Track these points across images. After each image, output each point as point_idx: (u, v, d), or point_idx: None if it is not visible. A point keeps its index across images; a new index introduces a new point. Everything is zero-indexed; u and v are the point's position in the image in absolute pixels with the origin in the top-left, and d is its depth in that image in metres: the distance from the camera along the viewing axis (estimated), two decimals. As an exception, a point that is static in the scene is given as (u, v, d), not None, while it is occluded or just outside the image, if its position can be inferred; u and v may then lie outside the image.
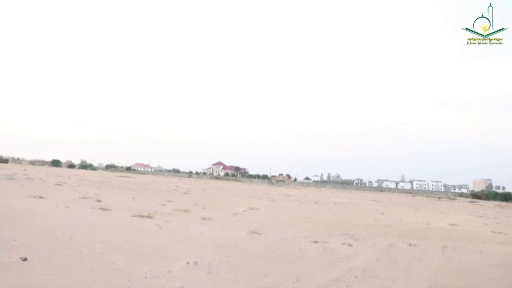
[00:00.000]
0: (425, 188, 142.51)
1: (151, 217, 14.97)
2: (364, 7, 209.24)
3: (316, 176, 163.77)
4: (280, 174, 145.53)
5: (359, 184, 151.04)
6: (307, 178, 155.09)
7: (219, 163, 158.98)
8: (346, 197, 52.88)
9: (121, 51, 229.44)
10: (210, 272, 7.69)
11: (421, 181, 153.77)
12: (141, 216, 14.93)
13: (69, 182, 35.09)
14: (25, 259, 7.43)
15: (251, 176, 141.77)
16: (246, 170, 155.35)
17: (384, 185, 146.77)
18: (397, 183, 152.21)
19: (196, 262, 8.30)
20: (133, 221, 13.94)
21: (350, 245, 12.08)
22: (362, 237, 14.18)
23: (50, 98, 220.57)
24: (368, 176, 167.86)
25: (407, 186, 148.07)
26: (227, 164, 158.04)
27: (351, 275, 8.31)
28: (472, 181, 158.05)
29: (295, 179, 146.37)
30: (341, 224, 18.08)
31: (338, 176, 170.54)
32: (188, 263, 8.18)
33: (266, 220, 17.66)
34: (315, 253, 10.49)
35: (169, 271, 7.45)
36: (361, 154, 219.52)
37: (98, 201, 19.32)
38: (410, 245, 13.07)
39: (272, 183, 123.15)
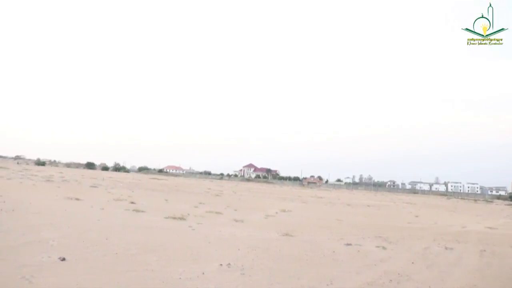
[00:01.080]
0: (460, 190, 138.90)
1: (184, 219, 15.12)
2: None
3: (347, 178, 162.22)
4: (312, 176, 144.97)
5: (391, 186, 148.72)
6: (338, 180, 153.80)
7: (250, 165, 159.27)
8: (379, 199, 52.19)
9: (153, 58, 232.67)
10: (243, 274, 7.70)
11: (456, 183, 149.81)
12: (174, 218, 15.10)
13: (103, 184, 35.80)
14: (63, 259, 7.61)
15: (282, 178, 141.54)
16: (277, 172, 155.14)
17: (417, 187, 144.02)
18: (431, 185, 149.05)
19: (229, 264, 8.33)
20: (167, 222, 14.10)
21: (384, 248, 11.90)
22: (396, 240, 13.95)
23: (86, 104, 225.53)
24: (401, 177, 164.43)
25: (442, 188, 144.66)
26: (258, 166, 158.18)
27: (386, 278, 8.18)
28: (511, 183, 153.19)
29: (327, 181, 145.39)
30: (374, 226, 17.85)
31: (370, 178, 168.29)
32: (221, 265, 8.22)
33: (298, 222, 17.59)
34: (348, 256, 10.37)
35: (203, 273, 7.50)
36: (394, 155, 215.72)
37: (132, 203, 19.64)
38: (446, 248, 12.77)
39: (303, 185, 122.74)
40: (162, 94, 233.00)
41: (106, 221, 13.20)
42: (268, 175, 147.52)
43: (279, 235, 13.07)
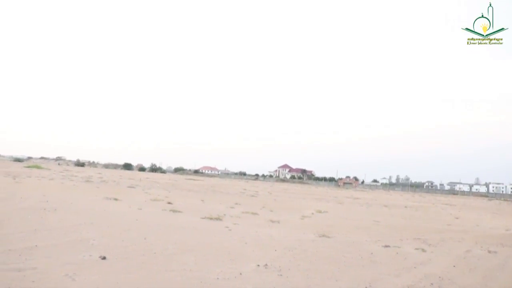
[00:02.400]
0: (503, 191, 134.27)
1: (221, 220, 15.20)
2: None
3: (384, 178, 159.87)
4: (347, 177, 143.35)
5: (429, 187, 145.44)
6: (374, 181, 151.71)
7: (285, 166, 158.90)
8: (416, 200, 51.11)
9: (189, 61, 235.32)
10: (281, 275, 7.67)
11: (499, 184, 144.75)
12: (211, 218, 15.20)
13: (140, 184, 36.41)
14: (104, 258, 7.77)
15: (317, 179, 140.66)
16: (312, 172, 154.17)
17: (456, 188, 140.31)
18: (471, 186, 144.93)
19: (266, 264, 8.32)
20: (203, 223, 14.20)
21: (423, 250, 11.63)
22: (436, 242, 13.60)
23: (124, 107, 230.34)
24: (440, 178, 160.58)
25: (483, 189, 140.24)
26: (293, 166, 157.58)
27: (426, 281, 7.98)
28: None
29: (363, 182, 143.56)
30: (413, 228, 17.48)
31: (407, 179, 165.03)
32: (258, 265, 8.21)
33: (335, 223, 17.42)
34: (387, 258, 10.18)
35: (240, 273, 7.51)
36: (432, 155, 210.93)
37: (169, 203, 19.89)
38: (489, 252, 12.34)
39: (339, 185, 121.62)
40: (198, 96, 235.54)
41: (144, 221, 13.41)
42: (303, 176, 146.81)
43: (316, 236, 12.97)
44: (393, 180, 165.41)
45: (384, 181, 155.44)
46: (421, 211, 30.52)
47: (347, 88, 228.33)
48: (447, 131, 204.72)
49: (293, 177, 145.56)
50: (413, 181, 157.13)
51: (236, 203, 23.59)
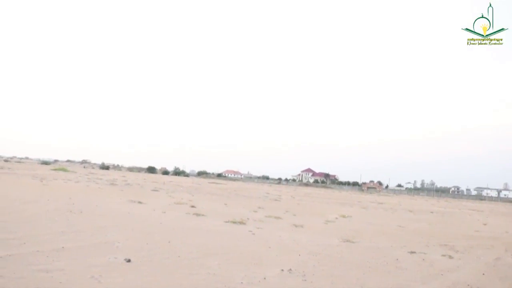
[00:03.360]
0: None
1: (244, 223, 15.20)
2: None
3: (408, 183, 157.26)
4: (371, 181, 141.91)
5: (455, 192, 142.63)
6: (399, 185, 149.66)
7: (308, 170, 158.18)
8: (442, 206, 50.23)
9: (211, 64, 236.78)
10: (305, 280, 7.60)
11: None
12: (234, 222, 15.21)
13: (164, 188, 36.71)
14: (129, 260, 7.84)
15: (341, 183, 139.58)
16: (335, 177, 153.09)
17: (484, 193, 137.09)
18: (499, 191, 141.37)
19: (290, 269, 8.26)
20: (227, 227, 14.22)
21: (450, 257, 11.39)
22: (464, 249, 13.32)
23: (147, 111, 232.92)
24: (466, 183, 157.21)
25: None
26: (317, 170, 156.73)
27: (454, 289, 7.82)
28: None
29: (387, 186, 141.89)
30: (439, 234, 17.18)
31: (432, 183, 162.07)
32: (282, 270, 8.16)
33: (359, 228, 17.24)
34: (413, 265, 10.01)
35: (264, 278, 7.47)
36: (458, 159, 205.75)
37: (192, 206, 19.97)
38: (519, 259, 12.03)
39: (362, 190, 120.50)
40: (222, 100, 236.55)
41: (168, 224, 13.50)
42: (327, 180, 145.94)
43: (340, 241, 12.85)
44: (418, 185, 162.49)
45: (409, 185, 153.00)
46: (447, 217, 30.01)
47: (371, 90, 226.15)
48: (474, 134, 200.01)
49: (316, 181, 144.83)
50: (438, 186, 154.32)
51: (259, 207, 23.58)
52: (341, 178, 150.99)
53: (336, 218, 21.33)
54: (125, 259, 7.88)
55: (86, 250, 8.50)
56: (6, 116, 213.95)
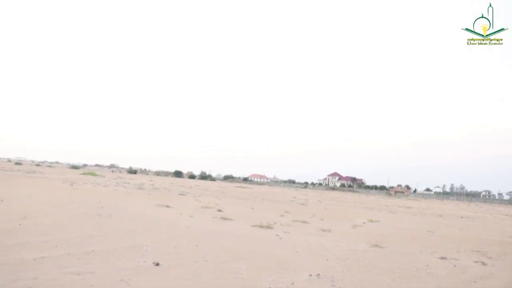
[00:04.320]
0: None
1: (271, 228, 15.15)
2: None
3: (437, 187, 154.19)
4: (399, 185, 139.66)
5: (487, 197, 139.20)
6: (427, 189, 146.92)
7: (335, 174, 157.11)
8: (473, 211, 49.09)
9: (238, 70, 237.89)
10: (334, 285, 7.51)
11: None
12: (261, 227, 15.18)
13: (191, 192, 36.91)
14: (157, 264, 7.89)
15: (368, 187, 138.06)
16: (362, 181, 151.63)
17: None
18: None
19: (318, 274, 8.18)
20: (254, 231, 14.20)
21: (483, 264, 11.10)
22: (497, 255, 12.95)
23: (174, 117, 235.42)
24: (498, 187, 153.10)
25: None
26: (343, 174, 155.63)
27: (488, 296, 7.61)
28: None
29: (415, 190, 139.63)
30: (471, 239, 16.77)
31: (462, 187, 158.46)
32: (310, 275, 8.09)
33: (388, 233, 16.99)
34: (444, 271, 9.80)
35: (292, 283, 7.42)
36: (489, 162, 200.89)
37: (219, 210, 20.03)
38: (556, 266, 11.64)
39: (390, 194, 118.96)
40: (249, 104, 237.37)
41: (196, 228, 13.56)
42: (353, 184, 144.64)
43: (368, 246, 12.68)
44: (447, 189, 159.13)
45: (438, 189, 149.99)
46: (478, 222, 29.33)
47: (398, 92, 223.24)
48: (507, 135, 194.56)
49: (343, 185, 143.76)
50: (468, 190, 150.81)
51: (286, 211, 23.48)
52: (368, 182, 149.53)
53: (364, 222, 21.08)
54: (153, 263, 7.94)
55: (116, 254, 8.60)
56: (38, 123, 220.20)
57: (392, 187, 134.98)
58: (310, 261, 9.62)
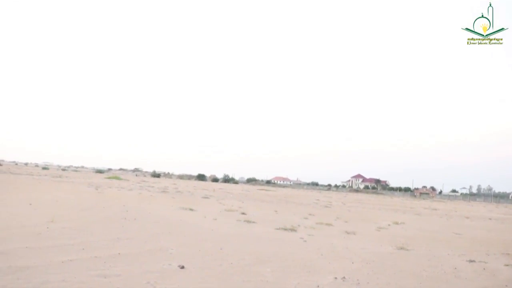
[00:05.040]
0: None
1: (295, 230, 15.10)
2: None
3: (464, 188, 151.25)
4: (424, 187, 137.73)
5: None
6: (453, 191, 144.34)
7: (359, 176, 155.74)
8: (502, 212, 47.98)
9: (259, 72, 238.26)
10: (360, 288, 7.44)
11: None
12: (285, 229, 15.13)
13: (214, 195, 37.05)
14: (182, 267, 7.92)
15: (392, 189, 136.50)
16: (386, 182, 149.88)
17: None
18: None
19: (344, 277, 8.11)
20: (278, 234, 14.17)
21: (514, 267, 10.84)
22: (528, 257, 12.63)
23: (198, 120, 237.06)
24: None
25: None
26: (367, 176, 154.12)
27: (520, 300, 7.43)
28: None
29: (440, 192, 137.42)
30: (500, 242, 16.40)
31: (490, 189, 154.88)
32: (336, 278, 8.02)
33: (413, 235, 16.75)
34: (473, 274, 9.58)
35: (318, 286, 7.37)
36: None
37: (243, 213, 20.05)
38: None
39: (415, 196, 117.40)
40: (270, 106, 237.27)
41: (220, 231, 13.60)
42: (377, 186, 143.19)
43: (394, 249, 12.52)
44: (474, 190, 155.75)
45: (464, 191, 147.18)
46: (507, 224, 28.66)
47: (420, 90, 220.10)
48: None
49: (366, 187, 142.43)
50: (496, 191, 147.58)
51: (310, 214, 23.38)
52: (392, 184, 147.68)
53: (389, 224, 20.85)
54: (178, 266, 7.98)
55: (141, 257, 8.67)
56: (64, 129, 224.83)
57: (416, 189, 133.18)
58: (335, 264, 9.55)
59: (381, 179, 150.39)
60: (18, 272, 6.78)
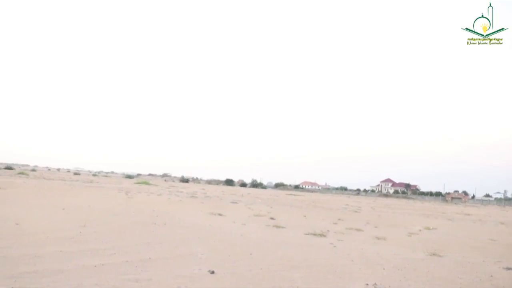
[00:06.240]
0: None
1: (324, 236, 14.98)
2: None
3: (498, 193, 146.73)
4: (455, 191, 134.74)
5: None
6: (487, 195, 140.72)
7: (388, 180, 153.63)
8: (539, 217, 46.55)
9: (286, 76, 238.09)
10: (392, 295, 7.31)
11: None
12: (315, 235, 15.03)
13: (243, 200, 37.09)
14: (212, 272, 7.94)
15: (422, 194, 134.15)
16: (416, 187, 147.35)
17: None
18: None
19: (375, 284, 7.98)
20: (307, 239, 14.08)
21: (553, 274, 10.48)
22: None
23: (225, 126, 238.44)
24: None
25: None
26: (396, 181, 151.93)
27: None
28: None
29: (473, 197, 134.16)
30: (538, 248, 15.91)
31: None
32: (367, 284, 7.90)
33: (446, 241, 16.40)
34: (511, 282, 9.31)
35: (349, 292, 7.28)
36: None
37: (272, 218, 20.01)
38: None
39: (446, 200, 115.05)
40: (297, 111, 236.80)
41: (249, 236, 13.60)
42: (407, 190, 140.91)
43: (426, 255, 12.27)
44: (509, 195, 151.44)
45: (498, 195, 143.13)
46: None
47: (450, 93, 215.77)
48: None
49: (396, 192, 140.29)
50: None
51: (339, 219, 23.16)
52: (423, 188, 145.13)
53: (420, 230, 20.46)
54: (209, 271, 7.99)
55: (171, 261, 8.75)
56: (95, 135, 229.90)
57: (448, 193, 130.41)
58: (365, 270, 9.42)
59: (411, 183, 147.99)
60: (53, 275, 6.92)
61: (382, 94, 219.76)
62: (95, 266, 7.73)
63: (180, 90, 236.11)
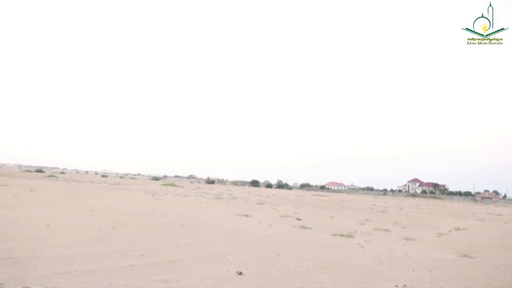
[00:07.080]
0: None
1: (352, 236, 14.85)
2: None
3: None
4: (486, 191, 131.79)
5: None
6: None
7: (415, 180, 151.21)
8: None
9: (314, 77, 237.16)
10: (422, 297, 7.18)
11: None
12: (342, 235, 14.91)
13: (269, 201, 37.05)
14: (240, 273, 7.94)
15: (451, 193, 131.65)
16: (445, 186, 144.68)
17: None
18: None
19: (405, 285, 7.86)
20: (334, 240, 13.98)
21: None
22: None
23: (252, 127, 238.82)
24: None
25: None
26: (424, 180, 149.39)
27: None
28: None
29: (504, 196, 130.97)
30: None
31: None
32: (397, 286, 7.78)
33: (477, 242, 16.05)
34: (545, 283, 9.06)
35: (378, 293, 7.19)
36: None
37: (298, 219, 19.94)
38: None
39: (476, 200, 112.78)
40: (323, 111, 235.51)
41: (276, 237, 13.57)
42: (435, 190, 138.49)
43: (457, 256, 12.02)
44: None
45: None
46: None
47: (476, 91, 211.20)
48: None
49: (424, 191, 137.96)
50: None
51: (366, 220, 22.93)
52: (452, 188, 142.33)
53: (450, 230, 20.09)
54: (236, 272, 8.00)
55: (199, 262, 8.79)
56: (122, 138, 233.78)
57: (478, 193, 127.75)
58: (394, 271, 9.29)
59: (439, 183, 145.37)
60: (84, 275, 7.04)
61: (405, 94, 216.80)
62: (124, 267, 7.82)
63: (206, 93, 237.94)
